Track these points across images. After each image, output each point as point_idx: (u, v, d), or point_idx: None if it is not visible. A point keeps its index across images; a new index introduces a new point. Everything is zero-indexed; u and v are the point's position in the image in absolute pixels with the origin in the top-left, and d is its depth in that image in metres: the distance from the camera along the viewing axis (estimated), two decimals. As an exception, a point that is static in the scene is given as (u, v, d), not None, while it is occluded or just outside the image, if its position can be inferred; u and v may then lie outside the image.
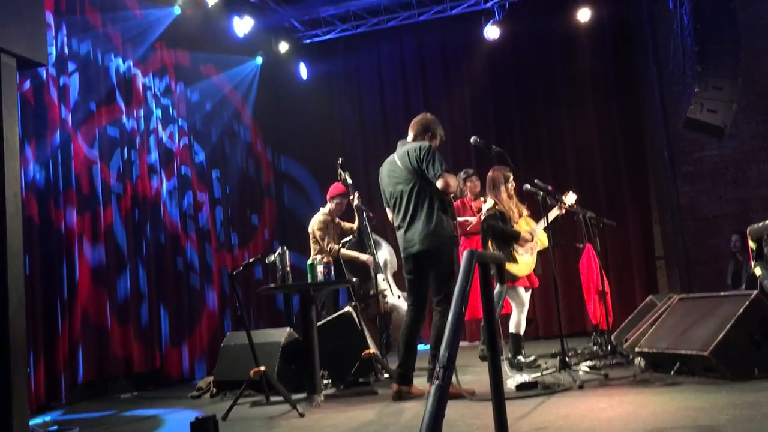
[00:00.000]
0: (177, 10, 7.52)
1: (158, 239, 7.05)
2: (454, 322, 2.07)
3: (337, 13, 9.44)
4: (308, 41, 9.88)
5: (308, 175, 10.05)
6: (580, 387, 4.31)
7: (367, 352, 5.17)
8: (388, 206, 4.81)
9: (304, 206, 9.38)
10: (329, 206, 6.48)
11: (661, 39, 9.11)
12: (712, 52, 7.33)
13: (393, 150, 4.88)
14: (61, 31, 6.03)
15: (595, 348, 6.17)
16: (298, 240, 7.43)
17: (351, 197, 6.31)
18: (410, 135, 4.84)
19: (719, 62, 7.32)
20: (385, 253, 6.65)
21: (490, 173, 5.99)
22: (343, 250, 6.30)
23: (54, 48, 5.88)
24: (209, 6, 7.81)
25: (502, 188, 5.85)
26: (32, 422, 4.87)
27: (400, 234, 4.66)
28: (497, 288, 5.59)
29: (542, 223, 5.65)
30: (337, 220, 6.54)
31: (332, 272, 5.02)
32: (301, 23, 9.59)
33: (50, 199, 5.67)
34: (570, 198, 5.98)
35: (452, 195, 4.79)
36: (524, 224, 5.89)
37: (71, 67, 6.16)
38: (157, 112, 7.37)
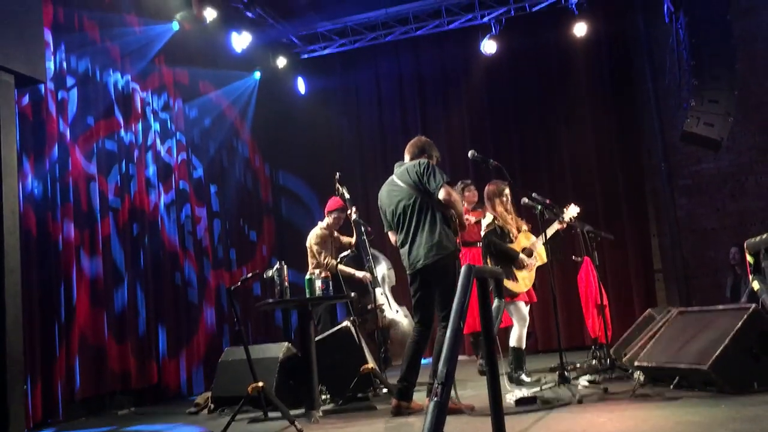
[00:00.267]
0: (175, 25, 7.57)
1: (156, 254, 7.03)
2: (451, 338, 2.07)
3: (335, 28, 9.48)
4: (306, 56, 9.91)
5: (306, 189, 10.06)
6: (580, 401, 4.29)
7: (365, 367, 5.15)
8: (391, 229, 4.79)
9: (303, 221, 9.37)
10: (327, 220, 6.48)
11: (657, 53, 9.17)
12: (707, 66, 7.36)
13: (391, 164, 4.90)
14: (60, 46, 6.05)
15: (594, 362, 6.16)
16: (297, 256, 7.41)
17: (348, 212, 6.31)
18: (407, 157, 4.87)
19: (715, 75, 7.35)
20: (383, 268, 6.65)
21: (487, 187, 6.00)
22: (340, 266, 6.26)
23: (53, 63, 5.90)
24: (207, 22, 7.85)
25: (497, 201, 5.85)
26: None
27: (404, 251, 4.65)
28: (495, 302, 5.57)
29: (541, 238, 5.65)
30: (335, 234, 6.54)
31: (330, 287, 5.01)
32: (299, 38, 9.63)
33: (48, 213, 5.66)
34: (572, 211, 5.96)
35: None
36: (524, 239, 5.87)
37: (70, 81, 6.18)
38: (156, 126, 7.39)
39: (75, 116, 6.19)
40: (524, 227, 5.94)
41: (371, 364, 5.28)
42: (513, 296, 5.68)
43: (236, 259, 8.57)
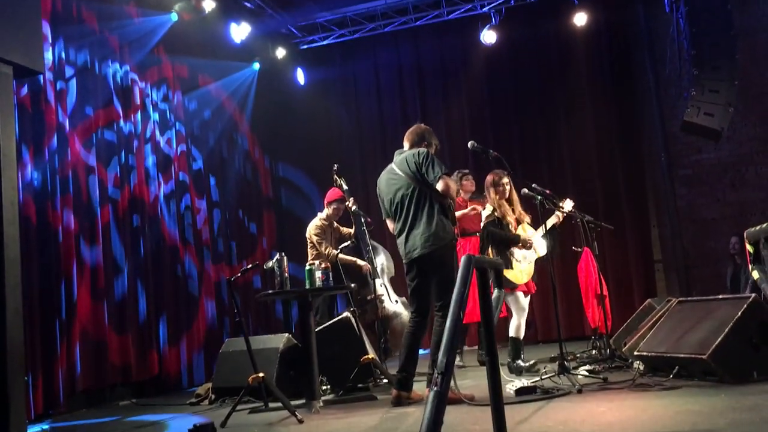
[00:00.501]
0: (174, 16, 7.54)
1: (156, 245, 7.02)
2: (451, 328, 2.07)
3: (334, 18, 9.45)
4: (305, 47, 9.88)
5: (306, 180, 10.05)
6: (579, 391, 4.30)
7: (365, 357, 5.15)
8: (389, 217, 4.79)
9: (303, 212, 9.36)
10: (327, 211, 6.48)
11: (657, 43, 9.14)
12: (708, 56, 7.35)
13: (390, 154, 4.88)
14: (59, 37, 6.03)
15: (594, 352, 6.18)
16: (297, 248, 7.40)
17: (347, 203, 6.31)
18: (406, 145, 4.85)
19: (715, 65, 7.34)
20: (382, 259, 6.65)
21: (487, 177, 5.98)
22: (341, 255, 6.28)
23: (51, 53, 5.88)
24: (206, 12, 7.82)
25: (492, 190, 5.84)
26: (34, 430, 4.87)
27: (401, 240, 4.64)
28: (495, 292, 5.56)
29: (540, 231, 5.64)
30: (335, 225, 6.54)
31: (330, 277, 5.01)
32: (298, 29, 9.60)
33: (47, 203, 5.66)
34: (567, 204, 5.98)
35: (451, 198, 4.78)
36: (521, 231, 5.87)
37: (69, 72, 6.16)
38: (155, 117, 7.37)
39: (74, 107, 6.17)
40: (526, 219, 5.93)
41: (371, 354, 5.29)
42: (513, 287, 5.69)
43: (236, 251, 8.57)
